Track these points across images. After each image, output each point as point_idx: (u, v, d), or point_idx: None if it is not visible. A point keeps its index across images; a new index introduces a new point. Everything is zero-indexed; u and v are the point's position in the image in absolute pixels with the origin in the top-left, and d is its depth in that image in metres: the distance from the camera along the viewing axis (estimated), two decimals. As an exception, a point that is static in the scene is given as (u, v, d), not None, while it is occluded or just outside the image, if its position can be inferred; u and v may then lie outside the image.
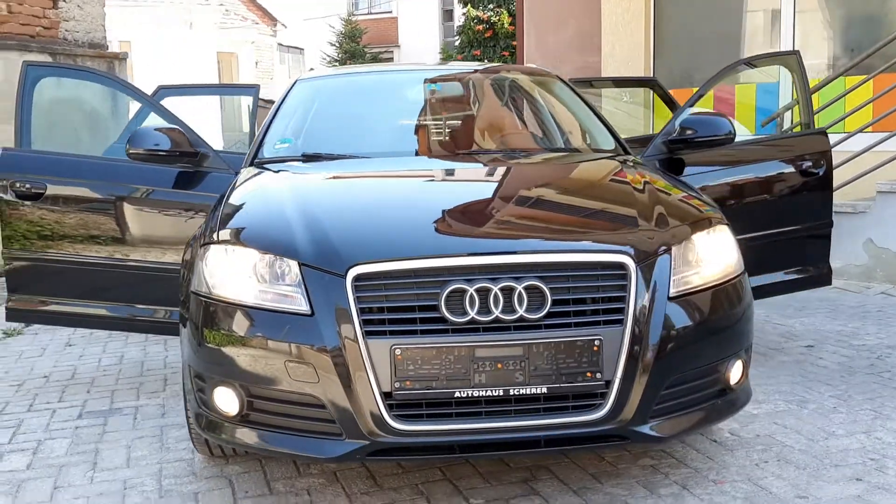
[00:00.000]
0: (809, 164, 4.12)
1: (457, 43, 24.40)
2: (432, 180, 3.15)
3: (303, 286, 2.38)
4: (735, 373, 2.64)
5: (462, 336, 2.30)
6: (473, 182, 3.14)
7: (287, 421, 2.43)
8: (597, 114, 3.96)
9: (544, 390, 2.33)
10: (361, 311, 2.31)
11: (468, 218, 2.63)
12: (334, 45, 30.04)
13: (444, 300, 2.30)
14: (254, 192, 3.00)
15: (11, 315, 4.02)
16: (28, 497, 2.82)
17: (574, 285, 2.38)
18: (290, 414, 2.42)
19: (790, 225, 4.17)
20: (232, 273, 2.52)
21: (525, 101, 4.30)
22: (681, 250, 2.55)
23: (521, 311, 2.31)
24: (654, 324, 2.39)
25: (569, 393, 2.35)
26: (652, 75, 8.36)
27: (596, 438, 2.41)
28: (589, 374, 2.34)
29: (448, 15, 30.66)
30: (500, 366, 2.31)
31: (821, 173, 4.14)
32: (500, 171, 3.36)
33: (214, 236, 2.65)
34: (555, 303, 2.34)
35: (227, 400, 2.50)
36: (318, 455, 2.38)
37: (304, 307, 2.36)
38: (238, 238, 2.60)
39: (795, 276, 4.26)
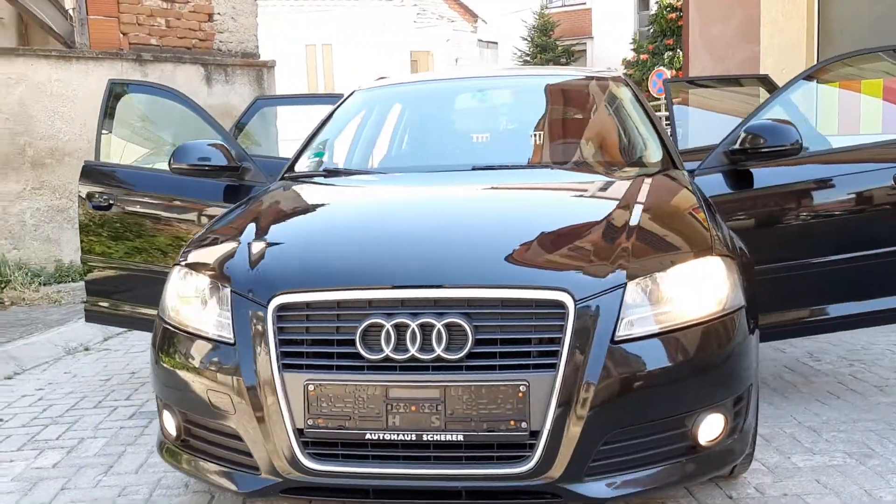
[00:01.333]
0: None
1: (650, 32, 23.55)
2: (415, 204, 2.99)
3: (230, 314, 2.35)
4: (709, 428, 2.30)
5: (376, 374, 2.17)
6: (455, 207, 2.91)
7: (214, 450, 2.41)
8: (653, 122, 3.63)
9: (461, 438, 2.14)
10: (281, 343, 2.24)
11: (415, 247, 2.46)
12: (526, 39, 30.00)
13: (361, 335, 2.18)
14: (236, 212, 3.00)
15: (90, 317, 4.32)
16: (34, 497, 3.00)
17: (504, 324, 2.17)
18: (215, 443, 2.39)
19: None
20: (183, 297, 2.53)
21: (577, 109, 4.03)
22: (642, 286, 2.26)
23: (438, 351, 2.14)
24: (591, 370, 2.13)
25: (492, 442, 2.15)
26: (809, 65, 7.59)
27: (523, 494, 2.19)
28: (513, 423, 2.12)
29: (644, 3, 29.60)
30: (414, 408, 2.15)
31: None
32: (494, 194, 3.13)
33: (181, 257, 2.68)
34: (479, 342, 2.15)
35: (169, 423, 2.52)
36: (234, 488, 2.34)
37: (228, 336, 2.33)
38: (195, 261, 2.61)
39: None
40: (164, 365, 2.48)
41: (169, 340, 2.50)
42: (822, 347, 4.61)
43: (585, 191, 3.05)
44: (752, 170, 3.52)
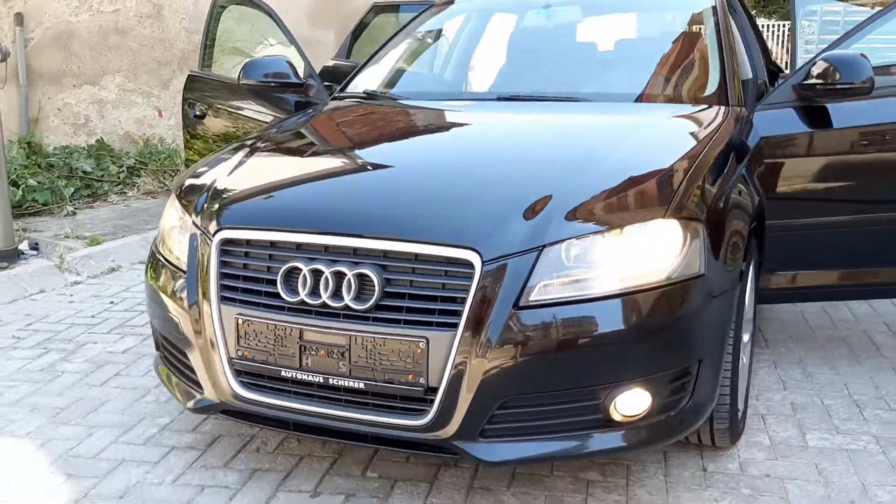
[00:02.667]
0: None
1: None
2: (383, 147, 2.93)
3: (187, 244, 2.49)
4: (629, 403, 2.16)
5: (293, 316, 2.24)
6: (421, 151, 2.82)
7: (175, 368, 2.61)
8: (722, 52, 3.26)
9: (361, 385, 2.18)
10: (221, 276, 2.36)
11: (352, 194, 2.43)
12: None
13: (283, 277, 2.24)
14: (251, 139, 3.10)
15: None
16: (91, 378, 3.42)
17: (413, 279, 2.15)
18: (177, 360, 2.59)
19: None
20: (166, 224, 2.71)
21: (649, 39, 3.69)
22: (564, 250, 2.12)
23: (347, 300, 2.17)
24: (491, 333, 2.06)
25: (393, 393, 2.17)
26: None
27: (423, 446, 2.20)
28: (411, 377, 2.13)
29: None
30: (323, 353, 2.21)
31: None
32: (476, 135, 3.00)
33: (175, 187, 2.84)
34: (387, 295, 2.15)
35: (154, 341, 2.76)
36: (183, 402, 2.54)
37: (184, 265, 2.48)
38: (181, 190, 2.75)
39: None
40: (148, 283, 2.70)
41: (152, 262, 2.70)
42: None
43: (574, 134, 2.85)
44: (827, 106, 3.10)
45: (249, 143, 2.98)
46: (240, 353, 2.31)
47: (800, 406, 3.03)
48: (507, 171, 2.52)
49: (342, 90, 3.67)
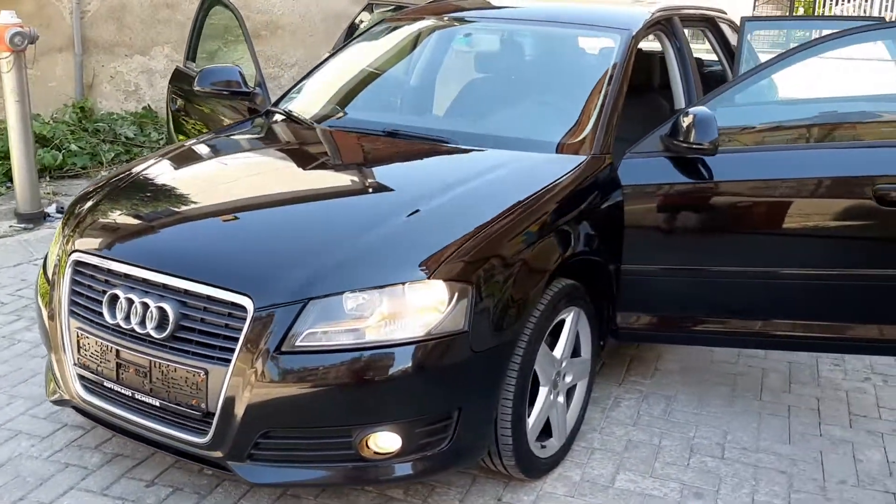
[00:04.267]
0: None
1: None
2: (261, 176, 3.23)
3: (58, 257, 2.88)
4: (380, 443, 2.43)
5: (113, 336, 2.59)
6: (258, 190, 3.09)
7: (49, 365, 3.01)
8: (605, 96, 3.35)
9: (157, 403, 2.52)
10: (72, 292, 2.73)
11: (190, 233, 2.76)
12: None
13: (107, 301, 2.60)
14: (135, 164, 3.41)
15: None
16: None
17: (205, 316, 2.46)
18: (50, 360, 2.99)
19: None
20: (53, 241, 3.09)
21: (549, 74, 3.79)
22: (324, 304, 2.39)
23: (149, 328, 2.50)
24: (256, 371, 2.36)
25: (182, 413, 2.50)
26: None
27: (205, 461, 2.54)
28: (195, 402, 2.45)
29: None
30: (133, 370, 2.56)
31: None
32: (320, 174, 3.25)
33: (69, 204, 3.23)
34: (181, 328, 2.47)
35: None
36: (49, 395, 2.93)
37: (53, 275, 2.87)
38: (68, 208, 3.14)
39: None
40: (38, 282, 3.10)
41: (43, 263, 3.10)
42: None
43: (402, 184, 3.08)
44: (689, 158, 3.17)
45: (130, 169, 3.31)
46: (80, 361, 2.69)
47: (634, 444, 3.18)
48: (313, 221, 2.79)
49: (275, 105, 3.96)
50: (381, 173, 3.28)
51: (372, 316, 2.40)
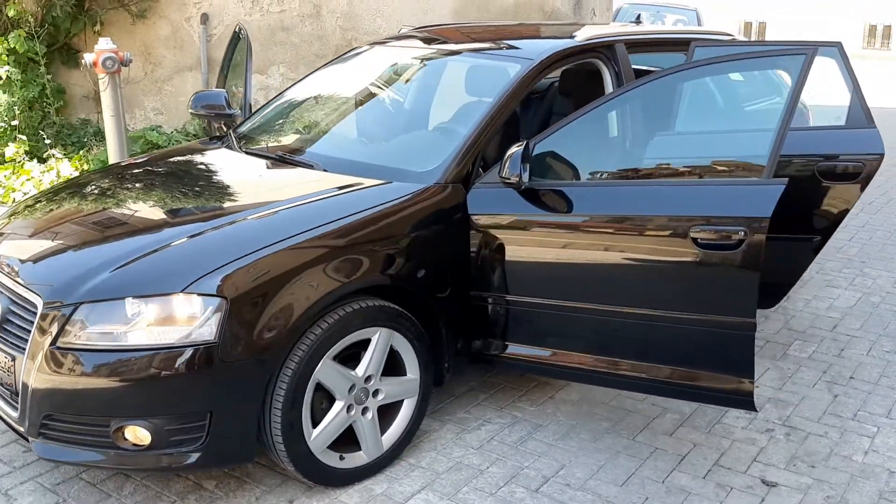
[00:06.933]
0: None
1: None
2: (145, 192, 3.64)
3: None
4: (133, 436, 2.77)
5: None
6: (154, 198, 3.48)
7: None
8: (484, 123, 3.44)
9: (-5, 382, 3.01)
10: None
11: (44, 242, 3.20)
12: None
13: None
14: (53, 189, 3.92)
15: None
16: None
17: (19, 312, 2.92)
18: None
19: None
20: None
21: (445, 103, 3.86)
22: (101, 307, 2.75)
23: None
24: (37, 363, 2.77)
25: (3, 390, 2.97)
26: None
27: (20, 434, 2.98)
28: (9, 383, 2.91)
29: None
30: (-19, 355, 3.07)
31: None
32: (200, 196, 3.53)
33: None
34: (7, 320, 2.95)
35: None
36: None
37: None
38: None
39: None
40: None
41: None
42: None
43: (232, 206, 3.34)
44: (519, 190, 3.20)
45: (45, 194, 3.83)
46: None
47: (459, 467, 3.24)
48: (118, 236, 3.15)
49: (236, 129, 4.39)
50: (216, 194, 3.61)
51: (137, 321, 2.73)
